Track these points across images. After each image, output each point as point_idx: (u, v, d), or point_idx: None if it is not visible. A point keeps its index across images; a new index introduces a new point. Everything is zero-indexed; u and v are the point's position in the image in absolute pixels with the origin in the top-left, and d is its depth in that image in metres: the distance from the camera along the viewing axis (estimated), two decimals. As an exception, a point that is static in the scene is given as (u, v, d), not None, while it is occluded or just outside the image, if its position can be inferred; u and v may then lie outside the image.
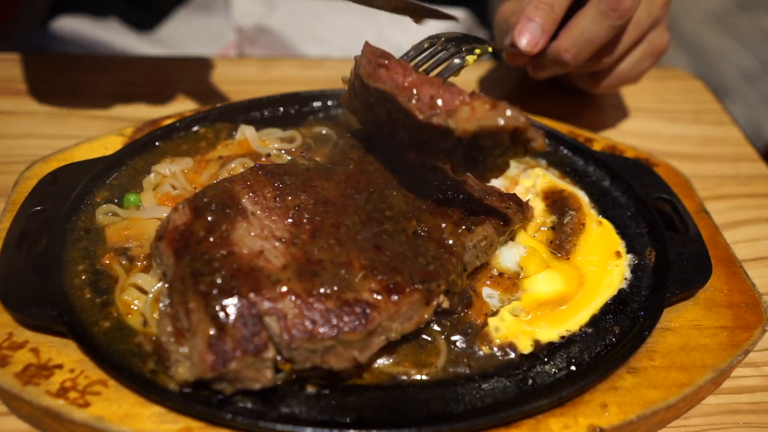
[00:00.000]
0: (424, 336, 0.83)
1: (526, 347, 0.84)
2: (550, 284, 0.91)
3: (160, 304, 0.77)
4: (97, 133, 1.11)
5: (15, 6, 1.71)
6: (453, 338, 0.83)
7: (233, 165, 0.98)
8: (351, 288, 0.76)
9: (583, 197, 1.04)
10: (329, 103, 1.17)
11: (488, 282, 0.91)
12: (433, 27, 1.70)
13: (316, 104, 1.17)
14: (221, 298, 0.72)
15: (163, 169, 0.98)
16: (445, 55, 1.01)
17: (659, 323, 0.88)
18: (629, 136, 1.31)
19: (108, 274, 0.86)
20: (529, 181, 1.06)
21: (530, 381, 0.80)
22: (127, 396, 0.75)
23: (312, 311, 0.73)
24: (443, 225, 0.86)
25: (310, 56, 1.61)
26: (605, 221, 1.01)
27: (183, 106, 1.26)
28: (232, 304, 0.72)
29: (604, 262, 0.94)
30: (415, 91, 0.82)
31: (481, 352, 0.83)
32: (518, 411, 0.75)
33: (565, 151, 1.13)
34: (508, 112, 0.74)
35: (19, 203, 0.93)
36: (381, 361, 0.81)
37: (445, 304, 0.82)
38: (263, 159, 1.02)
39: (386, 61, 0.87)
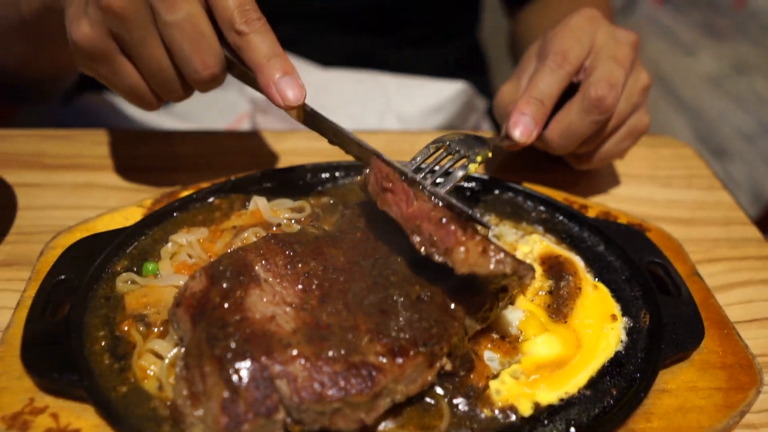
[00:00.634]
0: (427, 399, 0.87)
1: (526, 410, 0.87)
2: (549, 347, 0.94)
3: (177, 368, 0.81)
4: (118, 204, 1.18)
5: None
6: (455, 401, 0.87)
7: (246, 234, 1.04)
8: (358, 351, 0.80)
9: (578, 262, 1.09)
10: (336, 174, 1.24)
11: (489, 345, 0.94)
12: (434, 98, 1.80)
13: (324, 175, 1.23)
14: (235, 362, 0.77)
15: (180, 239, 1.04)
16: (450, 162, 1.08)
17: (655, 385, 0.91)
18: (623, 201, 1.36)
19: (126, 340, 0.91)
20: (526, 247, 1.11)
21: (531, 444, 0.83)
22: (142, 459, 0.78)
23: (321, 374, 0.77)
24: (445, 290, 0.91)
25: (318, 126, 1.69)
26: (601, 285, 1.05)
27: (199, 177, 1.33)
28: (245, 368, 0.76)
29: (600, 325, 0.98)
30: (417, 223, 0.90)
31: (483, 415, 0.86)
32: (519, 473, 0.78)
33: (561, 218, 1.19)
34: (497, 258, 0.83)
35: (44, 272, 0.99)
36: (386, 424, 0.84)
37: (448, 367, 0.85)
38: (274, 228, 1.08)
39: (391, 185, 0.95)
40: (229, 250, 0.99)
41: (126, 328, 0.92)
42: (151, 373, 0.86)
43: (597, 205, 1.25)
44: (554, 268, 1.06)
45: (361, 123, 1.71)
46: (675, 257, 1.13)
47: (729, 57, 6.20)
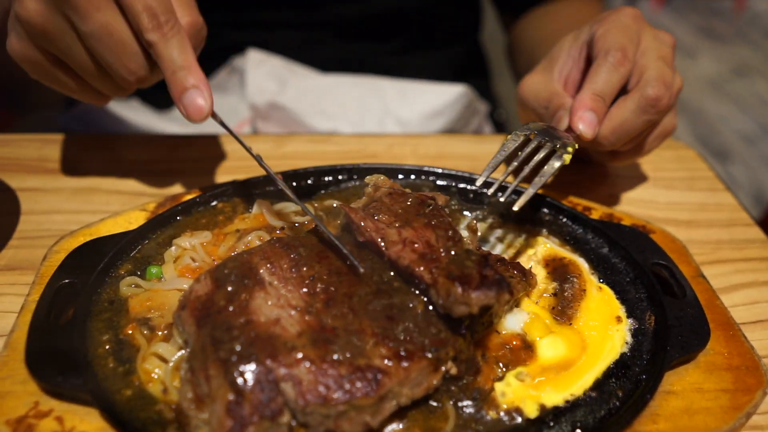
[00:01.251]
0: (432, 402, 0.86)
1: (532, 412, 0.86)
2: (554, 349, 0.94)
3: (182, 371, 0.81)
4: (121, 208, 1.18)
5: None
6: (461, 403, 0.86)
7: (249, 238, 1.04)
8: (363, 354, 0.80)
9: (583, 264, 1.09)
10: (339, 177, 1.24)
11: (494, 348, 0.94)
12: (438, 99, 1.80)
13: (327, 179, 1.23)
14: (240, 365, 0.76)
15: (184, 243, 1.04)
16: (544, 153, 1.08)
17: (661, 386, 0.90)
18: (626, 204, 1.36)
19: (130, 344, 0.91)
20: (530, 250, 1.11)
21: (537, 445, 0.82)
22: (147, 463, 0.78)
23: (326, 377, 0.77)
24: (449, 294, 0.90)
25: (319, 130, 1.69)
26: (605, 287, 1.05)
27: (202, 181, 1.33)
28: (249, 371, 0.76)
29: (605, 327, 0.98)
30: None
31: (488, 417, 0.85)
32: (526, 475, 0.78)
33: (565, 220, 1.19)
34: (460, 299, 0.84)
35: (48, 276, 0.98)
36: (391, 427, 0.83)
37: (453, 371, 0.85)
38: (278, 232, 1.08)
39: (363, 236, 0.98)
40: (232, 254, 0.99)
41: (130, 332, 0.92)
42: (156, 377, 0.86)
43: (600, 207, 1.24)
44: (558, 270, 1.06)
45: (361, 128, 1.71)
46: (679, 259, 1.13)
47: (729, 60, 6.21)
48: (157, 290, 0.96)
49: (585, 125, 1.12)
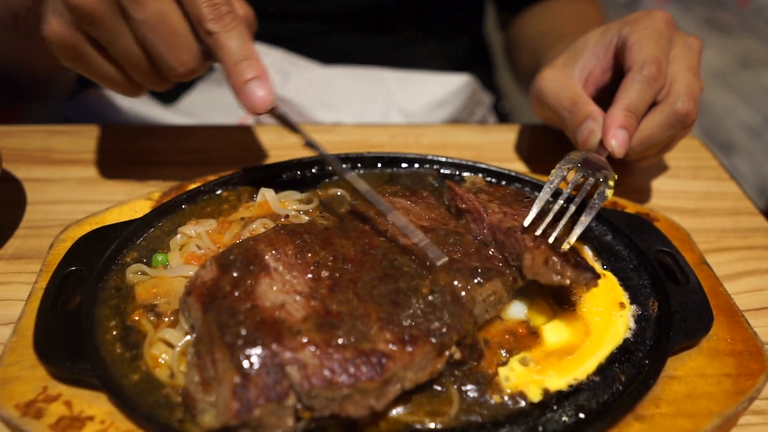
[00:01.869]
0: (437, 386, 0.87)
1: (535, 396, 0.87)
2: (557, 335, 0.94)
3: (188, 356, 0.82)
4: (126, 198, 1.19)
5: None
6: (465, 388, 0.87)
7: (254, 225, 1.04)
8: (368, 339, 0.80)
9: (586, 251, 1.09)
10: (344, 166, 1.24)
11: (498, 333, 0.94)
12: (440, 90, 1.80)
13: (331, 168, 1.24)
14: (246, 349, 0.77)
15: (189, 231, 1.05)
16: (588, 186, 1.07)
17: (664, 371, 0.91)
18: (630, 192, 1.36)
19: (137, 330, 0.92)
20: (534, 237, 1.11)
21: (540, 428, 0.83)
22: (154, 446, 0.79)
23: (331, 361, 0.77)
24: (455, 281, 0.91)
25: (322, 122, 1.70)
26: (608, 274, 1.05)
27: (206, 171, 1.33)
28: (255, 354, 0.77)
29: (608, 313, 0.98)
30: (495, 234, 1.01)
31: (492, 401, 0.86)
32: (529, 457, 0.78)
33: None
34: (556, 269, 0.91)
35: (54, 264, 0.99)
36: (396, 411, 0.84)
37: (457, 356, 0.86)
38: (282, 219, 1.08)
39: (464, 205, 1.07)
40: (238, 241, 1.00)
41: (137, 318, 0.93)
42: (163, 362, 0.87)
43: (604, 195, 1.24)
44: (562, 257, 1.06)
45: (365, 120, 1.71)
46: (683, 246, 1.13)
47: (734, 52, 6.17)
48: (163, 277, 0.97)
49: (618, 144, 1.12)
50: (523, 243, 0.95)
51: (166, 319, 0.92)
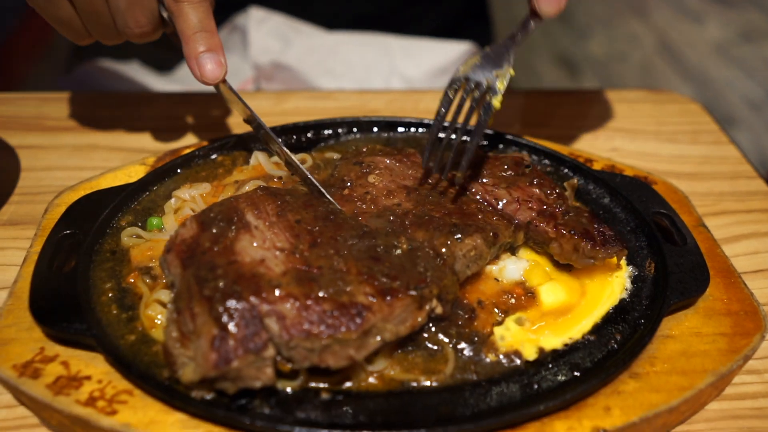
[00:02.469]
0: (432, 345, 0.87)
1: (531, 354, 0.87)
2: (554, 295, 0.94)
3: (167, 312, 0.81)
4: (121, 164, 1.18)
5: (39, 52, 1.80)
6: (460, 347, 0.87)
7: (247, 187, 1.04)
8: (347, 292, 0.80)
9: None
10: (339, 130, 1.24)
11: (494, 294, 0.94)
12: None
13: (327, 132, 1.23)
14: (224, 301, 0.77)
15: (183, 194, 1.04)
16: (473, 103, 1.01)
17: (660, 331, 0.91)
18: (629, 157, 1.36)
19: (133, 292, 0.92)
20: (531, 200, 1.10)
21: (535, 386, 0.83)
22: (151, 404, 0.79)
23: (310, 312, 0.78)
24: (434, 237, 0.91)
25: (324, 90, 1.68)
26: (605, 235, 1.05)
27: (202, 136, 1.33)
28: (234, 307, 0.77)
29: (604, 274, 0.98)
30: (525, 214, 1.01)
31: (487, 360, 0.86)
32: (524, 413, 0.78)
33: (566, 171, 1.18)
34: (586, 254, 0.94)
35: (49, 229, 0.99)
36: (393, 371, 0.84)
37: (438, 310, 0.86)
38: (275, 180, 1.07)
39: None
40: (219, 200, 0.99)
41: (132, 280, 0.93)
42: (159, 322, 0.87)
43: (602, 158, 1.24)
44: (559, 219, 1.06)
45: (366, 86, 1.69)
46: (681, 209, 1.13)
47: (737, 24, 6.11)
48: (158, 240, 0.97)
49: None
50: (546, 233, 0.96)
51: (162, 281, 0.92)
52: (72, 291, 0.88)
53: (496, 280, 0.96)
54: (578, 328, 0.91)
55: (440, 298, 0.85)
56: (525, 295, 0.94)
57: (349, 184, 1.01)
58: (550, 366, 0.86)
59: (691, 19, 6.07)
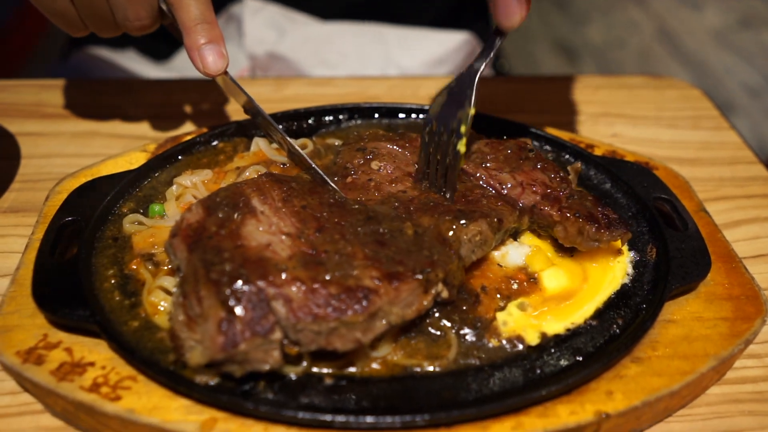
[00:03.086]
0: (435, 331, 0.87)
1: (533, 339, 0.88)
2: (556, 280, 0.95)
3: (174, 297, 0.81)
4: (121, 151, 1.18)
5: (35, 39, 1.79)
6: (463, 332, 0.87)
7: (248, 173, 1.03)
8: (353, 276, 0.80)
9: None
10: (340, 117, 1.23)
11: (497, 279, 0.95)
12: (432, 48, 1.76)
13: (328, 118, 1.23)
14: (231, 285, 0.77)
15: (185, 181, 1.04)
16: (443, 149, 1.00)
17: (661, 315, 0.91)
18: (629, 143, 1.35)
19: (135, 278, 0.92)
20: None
21: (538, 370, 0.84)
22: (155, 389, 0.79)
23: (316, 296, 0.78)
24: (440, 222, 0.91)
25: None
26: (607, 221, 1.05)
27: (202, 123, 1.32)
28: (241, 290, 0.77)
29: (606, 259, 0.98)
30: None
31: (490, 345, 0.87)
32: (527, 398, 0.79)
33: (567, 157, 1.18)
34: (591, 237, 0.95)
35: (51, 216, 0.99)
36: (396, 356, 0.84)
37: (444, 294, 0.86)
38: (278, 166, 1.07)
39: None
40: (225, 185, 0.98)
41: (134, 267, 0.93)
42: (162, 309, 0.87)
43: (603, 144, 1.24)
44: (560, 205, 1.06)
45: (361, 75, 1.68)
46: (682, 194, 1.13)
47: (735, 11, 6.08)
48: (160, 227, 0.97)
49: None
50: (551, 217, 0.97)
51: (165, 268, 0.92)
52: (74, 278, 0.88)
53: (499, 265, 0.96)
54: (580, 313, 0.91)
55: (446, 282, 0.85)
56: (527, 281, 0.94)
57: (352, 171, 1.00)
58: (553, 351, 0.86)
59: (690, 6, 6.04)
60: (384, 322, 0.80)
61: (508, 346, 0.87)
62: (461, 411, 0.77)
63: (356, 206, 0.93)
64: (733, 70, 5.33)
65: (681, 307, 0.94)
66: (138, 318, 0.86)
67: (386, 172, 1.01)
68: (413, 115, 1.25)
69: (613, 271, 0.97)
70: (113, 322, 0.85)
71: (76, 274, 0.89)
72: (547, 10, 5.10)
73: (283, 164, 1.08)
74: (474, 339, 0.87)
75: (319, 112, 1.22)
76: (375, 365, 0.83)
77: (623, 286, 0.96)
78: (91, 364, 0.82)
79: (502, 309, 0.91)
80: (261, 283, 0.78)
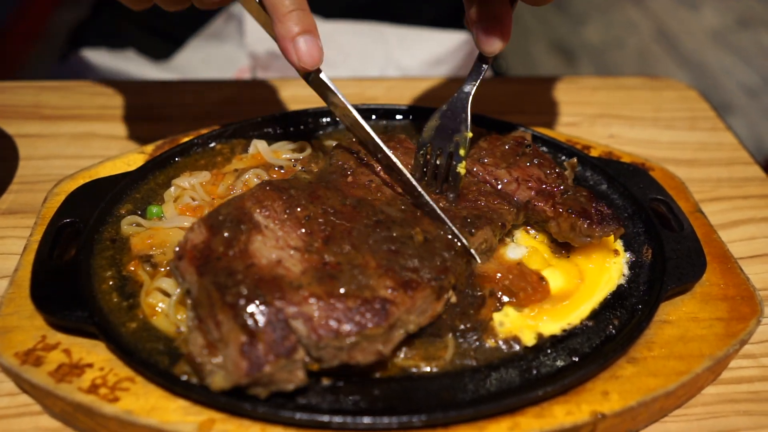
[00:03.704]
0: (432, 332, 0.88)
1: (529, 340, 0.88)
2: (552, 281, 0.95)
3: (188, 321, 0.81)
4: (119, 153, 1.18)
5: (34, 40, 1.80)
6: (460, 333, 0.87)
7: (247, 176, 1.04)
8: (368, 287, 0.80)
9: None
10: (337, 118, 1.23)
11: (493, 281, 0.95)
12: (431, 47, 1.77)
13: (326, 120, 1.23)
14: (248, 307, 0.76)
15: (183, 182, 1.04)
16: (442, 167, 1.00)
17: (657, 316, 0.92)
18: (626, 144, 1.36)
19: (133, 280, 0.92)
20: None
21: (534, 371, 0.84)
22: (153, 391, 0.79)
23: (335, 311, 0.77)
24: (447, 232, 0.91)
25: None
26: (603, 222, 1.05)
27: (199, 126, 1.32)
28: (259, 312, 0.76)
29: (602, 260, 0.99)
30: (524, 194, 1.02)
31: (487, 345, 0.87)
32: (523, 398, 0.79)
33: (564, 158, 1.18)
34: (583, 233, 0.96)
35: (49, 217, 0.99)
36: (395, 356, 0.85)
37: (453, 299, 0.87)
38: (276, 169, 1.07)
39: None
40: (224, 201, 0.96)
41: (132, 269, 0.93)
42: (160, 310, 0.87)
43: (600, 145, 1.24)
44: (557, 206, 1.06)
45: (363, 75, 1.69)
46: (678, 195, 1.13)
47: (733, 11, 6.08)
48: (158, 228, 0.97)
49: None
50: (544, 212, 0.98)
51: (162, 269, 0.92)
52: (73, 279, 0.89)
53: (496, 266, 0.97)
54: (577, 314, 0.92)
55: (455, 287, 0.86)
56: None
57: (350, 171, 1.01)
58: (549, 351, 0.87)
59: (688, 6, 6.05)
60: (402, 331, 0.81)
61: (504, 347, 0.87)
62: (458, 411, 0.77)
63: (363, 208, 0.92)
64: (731, 71, 5.34)
65: (676, 308, 0.95)
66: (136, 319, 0.86)
67: (385, 174, 1.01)
68: (411, 117, 1.26)
69: (609, 272, 0.97)
70: (111, 323, 0.85)
71: (74, 275, 0.89)
72: (544, 10, 5.11)
73: (281, 167, 1.08)
74: (471, 340, 0.87)
75: (317, 113, 1.22)
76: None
77: (619, 286, 0.96)
78: (90, 365, 0.82)
79: (499, 310, 0.91)
80: (279, 303, 0.77)
